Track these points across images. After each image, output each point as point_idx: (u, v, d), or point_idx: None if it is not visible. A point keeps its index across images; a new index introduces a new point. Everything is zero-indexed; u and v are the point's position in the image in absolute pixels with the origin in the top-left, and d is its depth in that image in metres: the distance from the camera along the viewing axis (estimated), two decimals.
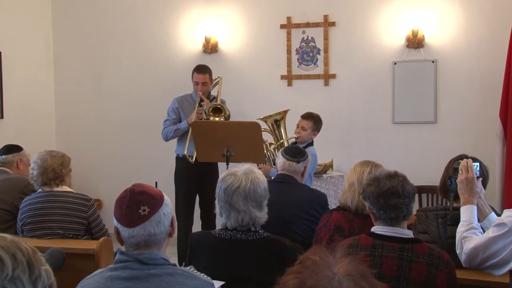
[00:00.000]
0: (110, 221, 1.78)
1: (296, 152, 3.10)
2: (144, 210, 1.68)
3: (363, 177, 2.50)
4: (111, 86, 5.70)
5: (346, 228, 2.55)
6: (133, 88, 5.64)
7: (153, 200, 1.70)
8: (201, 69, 4.41)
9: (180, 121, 4.46)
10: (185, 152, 4.26)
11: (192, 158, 4.24)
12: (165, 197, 1.75)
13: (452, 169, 2.53)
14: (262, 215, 2.21)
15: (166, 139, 4.51)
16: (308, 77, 5.25)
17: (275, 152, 4.25)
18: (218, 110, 4.25)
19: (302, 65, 5.26)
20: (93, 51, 5.72)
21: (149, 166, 5.48)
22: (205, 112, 4.21)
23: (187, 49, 5.47)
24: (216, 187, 4.87)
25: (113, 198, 1.77)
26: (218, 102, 4.41)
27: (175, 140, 4.56)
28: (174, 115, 4.48)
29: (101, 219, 3.32)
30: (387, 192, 2.05)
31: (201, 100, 4.33)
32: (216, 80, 4.58)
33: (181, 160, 4.46)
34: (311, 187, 3.64)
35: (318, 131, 4.16)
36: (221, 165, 4.15)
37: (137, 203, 1.68)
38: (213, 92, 4.62)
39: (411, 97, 5.01)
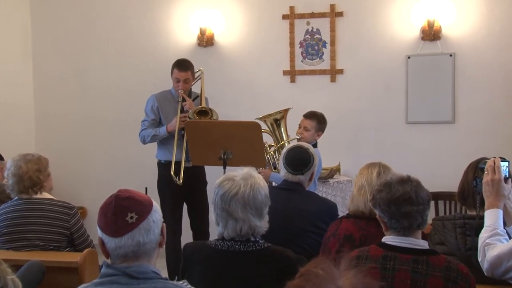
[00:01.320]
0: (95, 231, 1.78)
1: (299, 162, 3.03)
2: (131, 218, 1.68)
3: (372, 178, 2.54)
4: (96, 82, 5.71)
5: (357, 237, 2.55)
6: (121, 84, 5.64)
7: (141, 206, 1.70)
8: (183, 66, 4.38)
9: (160, 121, 4.46)
10: (172, 171, 4.18)
11: (179, 179, 4.20)
12: (154, 203, 1.76)
13: (472, 172, 2.53)
14: (263, 224, 2.22)
15: (143, 142, 4.51)
16: (313, 72, 5.25)
17: (275, 155, 4.26)
18: (204, 113, 4.24)
19: (306, 59, 5.27)
20: (76, 43, 5.72)
21: (138, 170, 5.47)
22: (189, 118, 4.20)
23: (180, 41, 5.47)
24: (204, 192, 4.82)
25: (99, 206, 1.77)
26: (203, 100, 4.39)
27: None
28: (153, 115, 4.46)
29: (85, 229, 3.33)
30: (399, 198, 2.05)
31: (183, 100, 4.32)
32: (198, 75, 4.55)
33: (163, 166, 4.47)
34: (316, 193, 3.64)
35: (322, 131, 4.17)
36: (215, 169, 4.15)
37: (123, 210, 1.68)
38: (195, 88, 4.58)
39: (426, 94, 5.01)
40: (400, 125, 5.12)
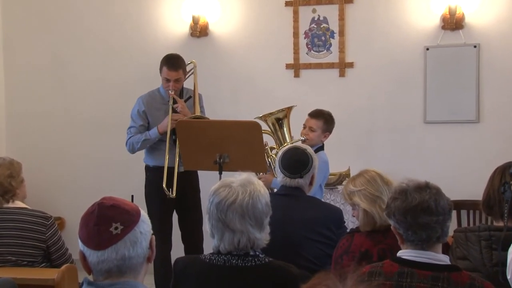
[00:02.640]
0: (75, 244, 1.78)
1: (296, 165, 3.05)
2: (116, 228, 1.68)
3: (379, 184, 2.62)
4: (76, 76, 5.71)
5: (374, 253, 2.56)
6: (104, 80, 5.64)
7: (127, 216, 1.70)
8: (173, 64, 4.32)
9: (148, 128, 4.45)
10: (164, 183, 4.16)
11: (172, 192, 4.19)
12: (142, 212, 1.76)
13: (499, 178, 2.53)
14: (263, 236, 2.22)
15: (133, 151, 4.48)
16: (319, 66, 5.26)
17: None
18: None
19: (312, 51, 5.28)
20: (54, 32, 5.72)
21: (123, 176, 5.48)
22: None
23: (170, 31, 5.48)
24: (197, 200, 4.81)
25: (78, 216, 1.77)
26: (196, 101, 4.36)
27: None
28: (141, 121, 4.44)
29: (63, 241, 3.33)
30: (417, 207, 2.05)
31: (174, 102, 4.30)
32: (190, 69, 4.51)
33: (152, 171, 4.47)
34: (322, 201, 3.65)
35: (330, 132, 4.18)
36: (209, 174, 4.16)
37: (107, 220, 1.68)
38: (188, 83, 4.56)
39: (447, 90, 5.02)
40: (417, 125, 5.13)
